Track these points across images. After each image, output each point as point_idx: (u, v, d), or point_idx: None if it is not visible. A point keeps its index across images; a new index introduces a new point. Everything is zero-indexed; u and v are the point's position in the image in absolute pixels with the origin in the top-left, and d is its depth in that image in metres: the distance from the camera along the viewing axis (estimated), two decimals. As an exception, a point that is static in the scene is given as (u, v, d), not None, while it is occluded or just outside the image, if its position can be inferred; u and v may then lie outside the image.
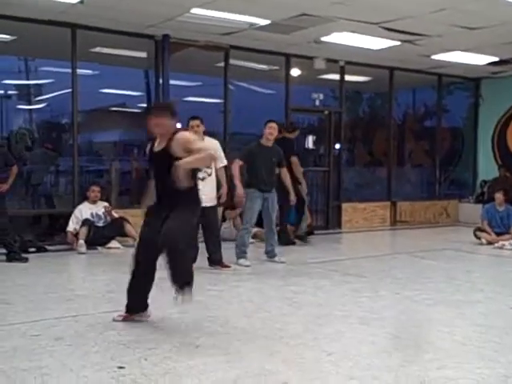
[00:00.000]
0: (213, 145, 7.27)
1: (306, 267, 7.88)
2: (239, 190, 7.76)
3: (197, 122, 7.28)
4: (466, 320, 5.24)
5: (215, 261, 7.49)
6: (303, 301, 5.95)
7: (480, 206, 11.68)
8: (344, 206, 12.46)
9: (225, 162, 7.65)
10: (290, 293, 6.30)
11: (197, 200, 4.91)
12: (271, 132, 7.97)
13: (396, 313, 5.50)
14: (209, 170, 7.28)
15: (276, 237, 8.19)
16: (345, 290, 6.50)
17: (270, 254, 8.10)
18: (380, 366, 3.98)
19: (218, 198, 7.50)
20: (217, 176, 7.51)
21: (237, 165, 7.90)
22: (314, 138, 13.09)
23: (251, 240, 8.54)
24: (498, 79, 13.60)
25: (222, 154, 7.62)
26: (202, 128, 7.28)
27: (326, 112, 12.49)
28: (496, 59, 11.54)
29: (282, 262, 7.99)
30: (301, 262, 8.26)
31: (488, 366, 4.05)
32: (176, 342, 4.46)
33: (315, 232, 11.10)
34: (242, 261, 7.83)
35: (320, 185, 12.46)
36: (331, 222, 12.31)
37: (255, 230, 9.42)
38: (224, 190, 7.51)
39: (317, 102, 12.33)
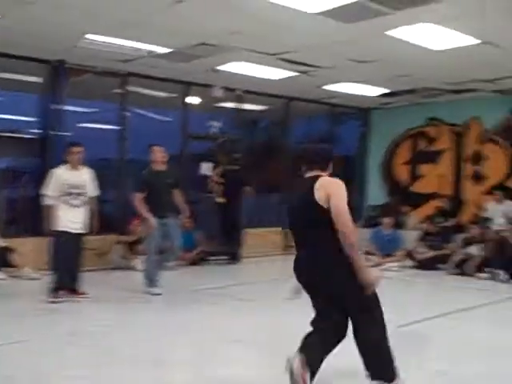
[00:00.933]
0: (90, 174, 7.31)
1: (197, 294, 7.88)
2: (151, 221, 7.68)
3: (79, 148, 7.20)
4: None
5: (72, 288, 7.24)
6: (192, 327, 5.94)
7: (367, 230, 12.14)
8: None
9: (96, 193, 7.49)
10: (181, 320, 6.26)
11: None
12: (164, 156, 7.92)
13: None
14: (84, 199, 7.20)
15: (166, 265, 8.10)
16: (235, 314, 6.57)
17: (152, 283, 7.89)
18: None
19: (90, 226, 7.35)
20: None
21: (138, 199, 7.78)
22: (210, 165, 13.14)
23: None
24: (387, 110, 14.32)
25: (94, 184, 7.45)
26: (82, 155, 7.23)
27: (222, 139, 12.62)
28: (386, 91, 12.15)
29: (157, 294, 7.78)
30: (194, 288, 8.23)
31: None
32: (63, 374, 4.31)
33: (209, 258, 11.12)
34: (152, 289, 7.72)
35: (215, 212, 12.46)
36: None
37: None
38: (95, 220, 7.40)
39: (214, 129, 12.44)
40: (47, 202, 7.10)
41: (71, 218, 7.08)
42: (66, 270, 7.11)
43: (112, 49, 8.78)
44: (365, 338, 3.94)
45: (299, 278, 4.10)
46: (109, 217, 11.89)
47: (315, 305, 4.10)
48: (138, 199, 7.79)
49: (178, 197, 8.13)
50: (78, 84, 10.11)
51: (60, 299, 6.96)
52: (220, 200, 11.61)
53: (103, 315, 6.45)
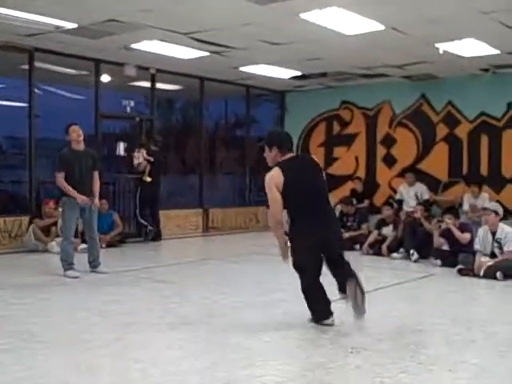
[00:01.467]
0: None
1: (117, 276, 7.75)
2: (82, 200, 7.54)
3: None
4: (268, 319, 5.49)
5: None
6: (112, 310, 5.85)
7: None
8: (157, 213, 12.43)
9: None
10: (100, 302, 6.16)
11: None
12: (79, 134, 7.69)
13: (204, 317, 5.61)
14: None
15: (98, 246, 7.96)
16: (155, 297, 6.52)
17: (93, 264, 7.84)
18: (187, 370, 4.04)
19: None
20: None
21: (61, 178, 7.57)
22: (126, 145, 12.90)
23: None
24: (301, 92, 14.48)
25: None
26: None
27: (138, 119, 12.42)
28: (298, 73, 12.27)
29: (105, 273, 7.76)
30: (112, 270, 8.09)
31: (289, 361, 4.31)
32: (-28, 361, 4.17)
33: (127, 240, 11.00)
34: (69, 272, 7.53)
35: (133, 192, 12.32)
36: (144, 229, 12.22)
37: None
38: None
39: (128, 109, 12.20)
40: None
41: None
42: None
43: (17, 22, 8.42)
44: None
45: (316, 236, 5.02)
46: (20, 198, 11.53)
47: (316, 261, 5.09)
48: (60, 179, 7.58)
49: (96, 178, 7.92)
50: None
51: None
52: (148, 179, 11.54)
53: (21, 300, 6.22)
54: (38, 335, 4.89)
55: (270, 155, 5.19)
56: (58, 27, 8.66)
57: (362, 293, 5.02)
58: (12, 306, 5.94)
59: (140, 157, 11.58)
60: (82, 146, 7.78)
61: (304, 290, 5.20)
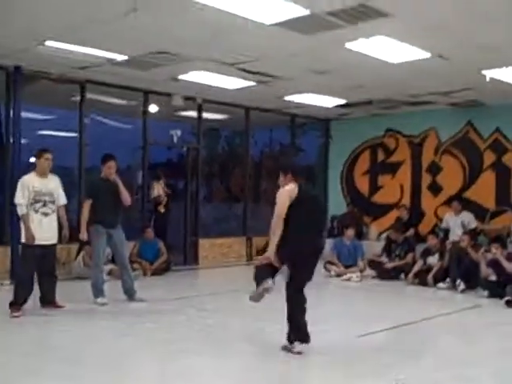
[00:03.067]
0: (58, 181, 7.18)
1: (162, 304, 7.82)
2: (83, 236, 7.71)
3: (48, 155, 7.06)
4: (311, 348, 5.45)
5: (48, 301, 7.18)
6: (158, 337, 5.91)
7: (330, 240, 12.23)
8: (201, 241, 12.55)
9: (65, 201, 7.32)
10: (145, 330, 6.24)
11: None
12: (111, 172, 7.81)
13: (248, 344, 5.61)
14: (53, 206, 7.06)
15: (130, 273, 8.04)
16: (199, 325, 6.55)
17: (129, 293, 7.91)
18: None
19: (60, 237, 7.22)
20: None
21: (86, 205, 7.78)
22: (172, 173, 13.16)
23: (106, 277, 8.35)
24: (346, 120, 14.50)
25: (62, 192, 7.29)
26: (51, 162, 7.09)
27: (184, 148, 12.63)
28: (343, 102, 12.31)
29: (142, 301, 7.83)
30: (157, 298, 8.19)
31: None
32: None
33: (173, 268, 11.11)
34: (99, 299, 7.64)
35: (177, 220, 12.53)
36: (188, 257, 12.35)
37: (110, 267, 9.28)
38: (66, 230, 7.26)
39: (174, 138, 12.43)
40: (23, 210, 6.89)
41: (44, 229, 6.93)
42: (30, 284, 6.95)
43: (71, 55, 8.73)
44: None
45: (310, 247, 5.41)
46: (70, 225, 11.78)
47: (304, 273, 5.45)
48: (85, 206, 7.79)
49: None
50: (36, 91, 10.02)
51: (18, 314, 6.77)
52: (162, 210, 12.22)
53: (68, 327, 6.35)
54: (85, 362, 4.99)
55: (285, 181, 5.54)
56: (109, 60, 8.95)
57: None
58: (59, 334, 6.08)
59: (160, 189, 11.90)
60: (112, 178, 7.86)
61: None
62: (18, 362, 4.96)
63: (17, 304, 6.87)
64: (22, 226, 6.94)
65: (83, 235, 7.71)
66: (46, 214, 6.98)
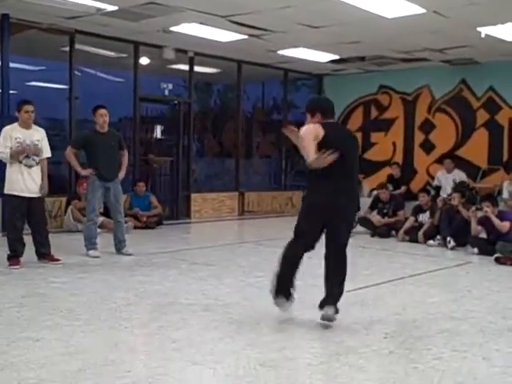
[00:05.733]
0: (43, 133, 7.08)
1: (153, 257, 7.87)
2: (83, 172, 7.77)
3: (29, 106, 6.89)
4: (301, 303, 5.50)
5: (43, 254, 7.16)
6: (149, 290, 5.95)
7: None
8: (193, 196, 12.57)
9: (49, 154, 7.15)
10: (137, 283, 6.28)
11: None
12: (105, 120, 7.72)
13: (239, 299, 5.67)
14: (37, 158, 6.95)
15: (123, 228, 8.06)
16: (191, 278, 6.60)
17: (118, 247, 7.95)
18: (222, 351, 4.10)
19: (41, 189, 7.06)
20: None
21: (70, 152, 7.77)
22: (163, 128, 13.03)
23: (98, 230, 8.36)
24: (339, 76, 14.37)
25: (47, 145, 7.12)
26: (32, 114, 6.92)
27: (176, 102, 12.51)
28: (336, 57, 12.18)
29: (130, 254, 7.86)
30: (149, 252, 8.23)
31: (322, 345, 4.34)
32: (14, 336, 4.30)
33: (164, 222, 11.14)
34: (91, 252, 7.67)
35: (169, 175, 12.49)
36: (180, 211, 12.37)
37: (101, 219, 9.27)
38: (45, 183, 7.07)
39: (166, 92, 12.28)
40: (5, 159, 6.81)
41: (27, 181, 6.85)
42: (20, 236, 6.92)
43: (60, 5, 8.55)
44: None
45: (337, 199, 4.71)
46: (60, 179, 11.73)
47: (314, 228, 4.84)
48: (69, 151, 7.78)
49: (124, 159, 8.03)
50: (24, 40, 9.84)
51: (16, 267, 6.77)
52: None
53: (60, 279, 6.37)
54: (77, 313, 5.02)
55: (313, 122, 4.84)
56: (99, 9, 8.76)
57: (337, 312, 4.75)
58: (52, 285, 6.09)
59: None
60: (105, 129, 7.81)
61: (283, 256, 5.02)
62: (8, 313, 4.98)
63: (14, 256, 6.88)
64: (7, 176, 6.86)
65: (86, 171, 7.74)
66: (29, 166, 6.88)
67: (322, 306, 4.78)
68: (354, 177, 4.99)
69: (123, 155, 8.01)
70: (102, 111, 7.73)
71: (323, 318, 4.68)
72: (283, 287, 4.92)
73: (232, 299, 5.64)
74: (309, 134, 4.63)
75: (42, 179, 7.04)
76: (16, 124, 6.94)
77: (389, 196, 11.13)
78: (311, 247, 4.93)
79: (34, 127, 7.03)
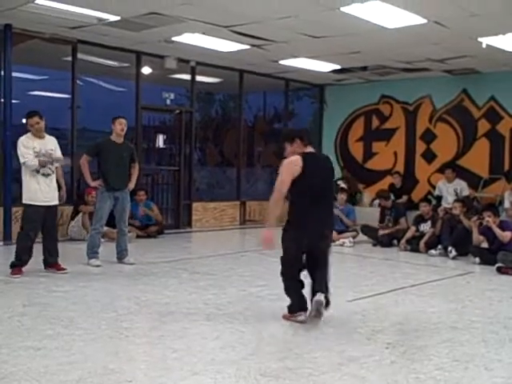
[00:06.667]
0: (55, 142, 7.13)
1: (154, 266, 7.86)
2: (93, 183, 7.83)
3: (36, 119, 6.93)
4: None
5: (50, 263, 7.17)
6: (150, 300, 5.95)
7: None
8: (194, 205, 12.56)
9: (68, 161, 7.35)
10: (138, 292, 6.27)
11: None
12: (123, 128, 7.85)
13: (241, 308, 5.66)
14: (52, 167, 7.01)
15: (126, 237, 8.07)
16: (192, 288, 6.59)
17: (120, 256, 7.97)
18: (223, 360, 4.09)
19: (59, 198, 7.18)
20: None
21: (85, 160, 7.84)
22: (165, 137, 13.06)
23: (102, 240, 8.36)
24: (341, 86, 14.40)
25: (60, 152, 7.18)
26: (42, 124, 6.96)
27: (177, 111, 12.54)
28: (338, 67, 12.21)
29: (131, 264, 7.88)
30: (150, 261, 8.23)
31: (324, 355, 4.33)
32: (15, 345, 4.30)
33: (165, 231, 11.13)
34: (92, 261, 7.69)
35: (171, 184, 12.50)
36: (182, 220, 12.36)
37: (105, 229, 9.26)
38: (63, 190, 7.25)
39: (168, 101, 12.30)
40: (34, 163, 6.79)
41: (45, 189, 6.90)
42: (30, 246, 6.92)
43: (62, 15, 8.58)
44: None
45: (319, 228, 5.13)
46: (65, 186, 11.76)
47: (297, 251, 5.18)
48: (83, 159, 7.85)
49: (134, 171, 8.10)
50: (26, 50, 9.86)
51: (18, 276, 6.76)
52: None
53: (61, 288, 6.36)
54: (78, 322, 5.01)
55: (291, 149, 5.20)
56: (100, 19, 8.80)
57: (327, 304, 5.05)
58: (53, 294, 6.09)
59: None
60: (121, 140, 7.94)
61: (282, 274, 5.35)
62: (10, 322, 4.97)
63: (18, 265, 6.88)
64: (24, 186, 6.91)
65: (95, 183, 7.82)
66: (46, 175, 6.95)
67: (313, 294, 5.04)
68: (330, 203, 5.45)
69: (134, 167, 8.10)
70: (122, 120, 7.88)
71: (316, 302, 4.94)
72: (298, 303, 5.18)
73: (233, 309, 5.64)
74: (287, 172, 5.07)
75: (61, 187, 7.19)
76: (30, 134, 6.99)
77: (390, 204, 11.08)
78: (303, 267, 5.28)
79: (47, 136, 7.09)
